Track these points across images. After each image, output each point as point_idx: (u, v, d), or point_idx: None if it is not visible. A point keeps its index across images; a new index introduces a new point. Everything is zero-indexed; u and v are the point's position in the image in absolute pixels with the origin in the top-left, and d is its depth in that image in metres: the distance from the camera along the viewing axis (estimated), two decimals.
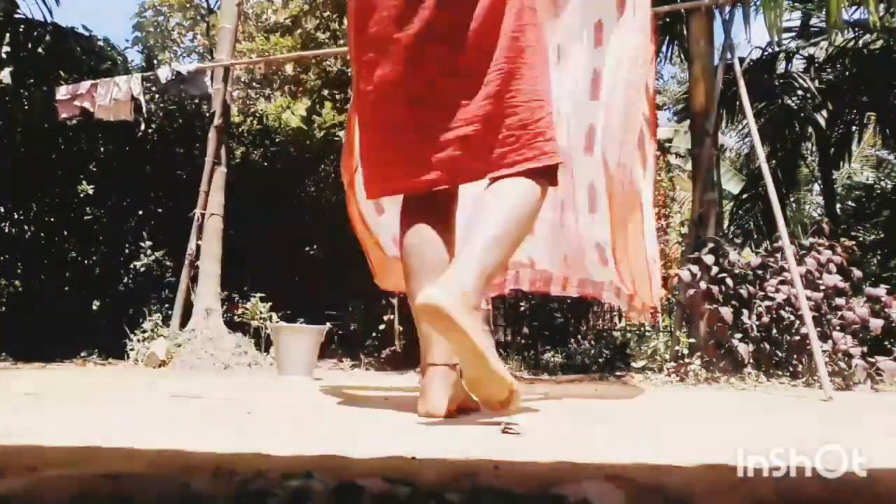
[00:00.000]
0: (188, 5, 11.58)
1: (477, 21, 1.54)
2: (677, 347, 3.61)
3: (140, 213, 5.77)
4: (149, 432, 1.53)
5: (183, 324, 4.55)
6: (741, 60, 6.78)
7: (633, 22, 2.59)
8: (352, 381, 3.58)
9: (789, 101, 7.29)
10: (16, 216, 5.75)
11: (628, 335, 5.25)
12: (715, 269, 3.49)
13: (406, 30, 1.54)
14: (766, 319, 3.44)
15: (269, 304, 4.76)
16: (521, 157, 1.54)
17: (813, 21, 7.48)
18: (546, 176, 1.59)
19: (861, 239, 9.37)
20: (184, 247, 4.73)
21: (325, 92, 6.23)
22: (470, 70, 1.55)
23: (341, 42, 5.88)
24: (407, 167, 1.62)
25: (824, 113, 7.40)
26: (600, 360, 4.17)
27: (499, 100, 1.54)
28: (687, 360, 3.49)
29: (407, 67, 1.56)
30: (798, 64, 7.80)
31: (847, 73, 7.28)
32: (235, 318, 4.80)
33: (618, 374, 3.79)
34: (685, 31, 4.77)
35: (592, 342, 4.57)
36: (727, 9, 3.86)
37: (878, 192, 11.06)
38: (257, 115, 6.94)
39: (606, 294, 3.63)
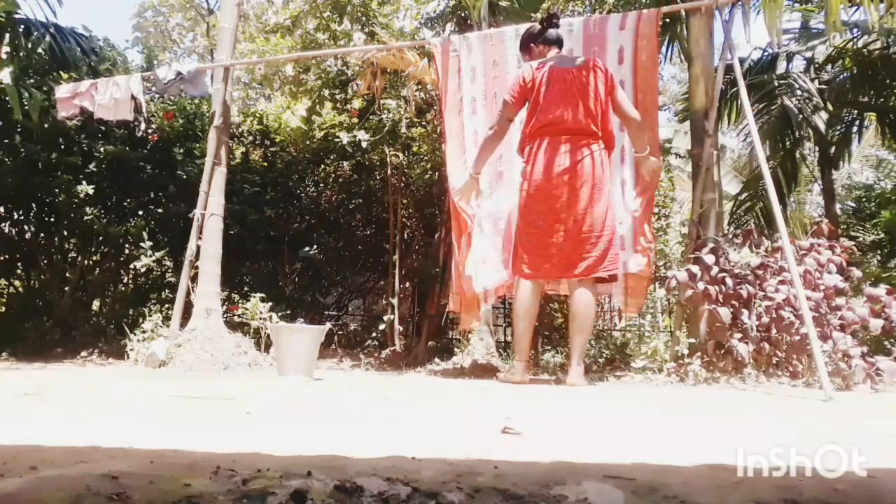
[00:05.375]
0: (188, 6, 11.57)
1: None
2: (677, 347, 3.61)
3: (140, 213, 5.76)
4: (149, 432, 1.53)
5: (183, 324, 4.54)
6: (741, 61, 6.79)
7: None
8: (351, 381, 3.58)
9: (789, 102, 7.28)
10: (16, 216, 5.75)
11: (628, 335, 5.25)
12: (715, 269, 3.49)
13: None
14: (765, 319, 3.44)
15: (269, 304, 4.76)
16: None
17: (813, 23, 7.48)
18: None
19: (861, 239, 9.37)
20: (184, 247, 4.73)
21: (326, 92, 6.21)
22: None
23: (341, 42, 5.87)
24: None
25: (823, 114, 7.38)
26: (600, 360, 4.17)
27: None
28: (687, 360, 3.49)
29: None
30: (798, 64, 7.79)
31: (847, 74, 7.27)
32: (235, 318, 4.80)
33: (618, 374, 3.78)
34: (685, 31, 4.77)
35: (592, 342, 4.56)
36: (727, 9, 3.86)
37: (878, 192, 11.05)
38: (257, 115, 6.93)
39: (616, 292, 3.69)
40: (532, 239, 3.18)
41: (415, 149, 5.97)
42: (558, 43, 3.39)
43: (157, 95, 5.85)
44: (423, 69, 4.60)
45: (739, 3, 3.88)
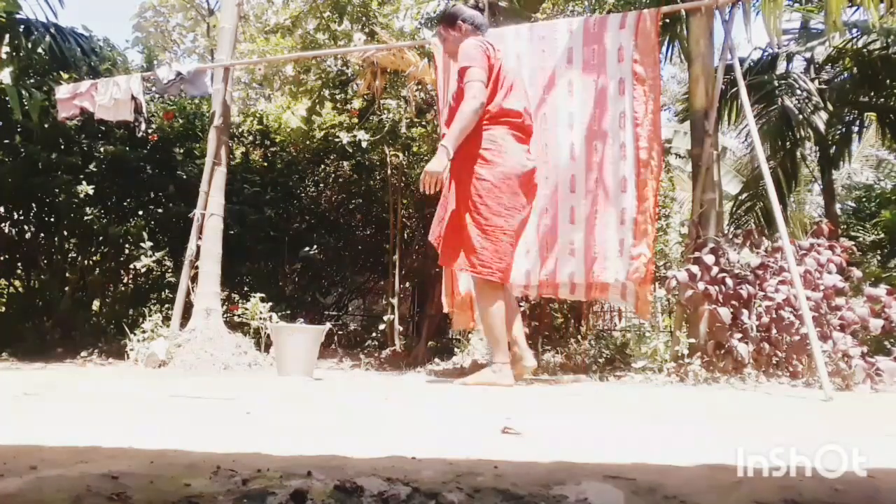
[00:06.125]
0: (188, 6, 11.57)
1: None
2: (677, 347, 3.61)
3: (140, 213, 5.76)
4: (149, 432, 1.53)
5: (183, 324, 4.54)
6: (741, 61, 6.79)
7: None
8: (352, 381, 3.58)
9: (789, 102, 7.28)
10: (16, 216, 5.75)
11: (628, 335, 5.24)
12: (715, 270, 3.49)
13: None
14: (766, 319, 3.44)
15: (269, 304, 4.76)
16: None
17: (813, 23, 7.48)
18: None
19: (861, 239, 9.36)
20: (184, 247, 4.73)
21: (326, 92, 6.21)
22: None
23: (341, 42, 5.87)
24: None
25: (823, 114, 7.38)
26: (600, 360, 4.17)
27: None
28: (687, 360, 3.49)
29: None
30: (798, 65, 7.79)
31: (847, 74, 7.27)
32: (235, 318, 4.80)
33: (618, 374, 3.78)
34: (685, 31, 4.77)
35: (592, 342, 4.56)
36: (727, 9, 3.86)
37: (878, 192, 11.05)
38: (257, 115, 6.93)
39: (612, 296, 3.67)
40: (502, 234, 2.90)
41: (415, 149, 5.97)
42: (483, 30, 3.29)
43: (157, 95, 5.85)
44: (423, 69, 4.60)
45: (739, 3, 3.88)
